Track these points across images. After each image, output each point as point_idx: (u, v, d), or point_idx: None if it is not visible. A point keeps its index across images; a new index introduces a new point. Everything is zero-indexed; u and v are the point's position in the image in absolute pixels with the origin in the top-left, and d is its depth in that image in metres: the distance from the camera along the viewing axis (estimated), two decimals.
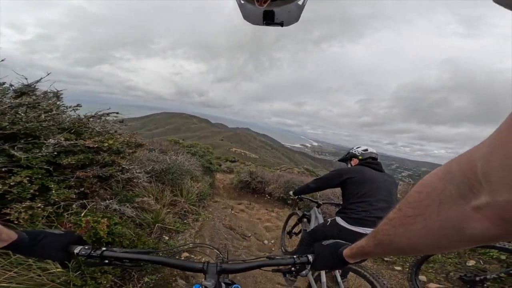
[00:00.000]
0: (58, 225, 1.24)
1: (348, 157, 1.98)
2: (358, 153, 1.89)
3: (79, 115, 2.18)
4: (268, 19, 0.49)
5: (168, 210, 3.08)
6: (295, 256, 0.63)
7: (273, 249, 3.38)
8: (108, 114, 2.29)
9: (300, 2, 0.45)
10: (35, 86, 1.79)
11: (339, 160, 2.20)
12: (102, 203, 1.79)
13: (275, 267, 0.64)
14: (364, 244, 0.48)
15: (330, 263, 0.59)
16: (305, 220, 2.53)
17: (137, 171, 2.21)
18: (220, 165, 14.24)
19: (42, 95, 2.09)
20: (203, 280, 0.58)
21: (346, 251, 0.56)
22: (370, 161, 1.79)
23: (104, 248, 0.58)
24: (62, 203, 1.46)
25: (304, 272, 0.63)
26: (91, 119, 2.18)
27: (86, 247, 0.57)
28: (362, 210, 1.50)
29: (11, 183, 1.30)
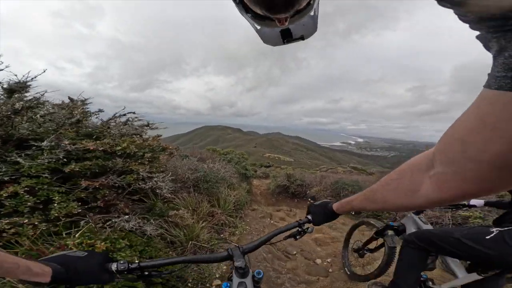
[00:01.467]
0: (39, 253, 0.94)
1: None
2: None
3: (102, 119, 2.04)
4: (287, 37, 0.50)
5: (204, 223, 2.72)
6: (298, 220, 0.82)
7: (330, 270, 2.60)
8: (124, 115, 2.08)
9: (312, 13, 0.43)
10: (26, 83, 1.70)
11: None
12: (116, 220, 1.49)
13: (286, 234, 0.78)
14: (353, 199, 0.62)
15: (324, 217, 0.77)
16: (389, 233, 1.78)
17: (160, 180, 1.88)
18: (255, 171, 14.00)
19: (72, 103, 2.04)
20: (233, 262, 0.65)
21: (335, 206, 0.73)
22: None
23: (137, 261, 0.59)
24: (64, 219, 1.18)
25: (310, 229, 0.80)
26: (113, 123, 2.00)
27: (122, 262, 0.56)
28: None
29: (4, 195, 1.07)
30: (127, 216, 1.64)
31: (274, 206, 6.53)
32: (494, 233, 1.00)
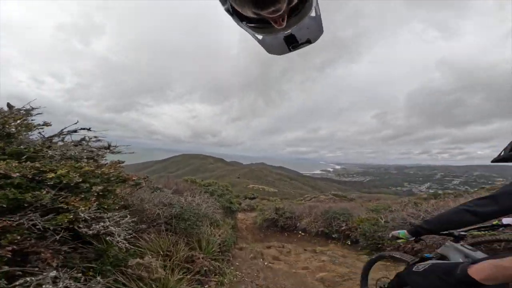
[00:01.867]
0: None
1: None
2: None
3: (43, 136, 1.53)
4: (292, 43, 0.48)
5: (182, 273, 2.03)
6: None
7: None
8: (75, 131, 1.61)
9: (313, 14, 0.42)
10: None
11: (494, 161, 1.32)
12: (34, 278, 0.90)
13: None
14: None
15: None
16: (421, 267, 1.46)
17: (112, 222, 1.33)
18: (240, 204, 13.01)
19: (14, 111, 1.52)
20: None
21: (479, 269, 0.43)
22: None
23: None
24: None
25: None
26: (60, 141, 1.50)
27: None
28: None
29: None
30: (54, 273, 1.03)
31: (263, 242, 5.74)
32: None
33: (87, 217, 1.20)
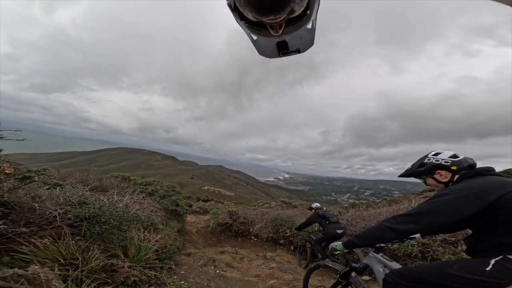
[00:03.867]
0: None
1: (426, 170, 1.36)
2: (447, 162, 1.30)
3: None
4: (283, 49, 0.49)
5: (95, 285, 1.56)
6: None
7: None
8: None
9: (309, 26, 0.43)
10: None
11: (401, 176, 1.53)
12: None
13: None
14: None
15: None
16: (353, 275, 1.73)
17: None
18: (190, 206, 12.13)
19: None
20: None
21: None
22: (482, 172, 1.22)
23: None
24: None
25: None
26: None
27: None
28: None
29: None
30: None
31: (216, 247, 5.40)
32: (492, 264, 1.03)
33: None
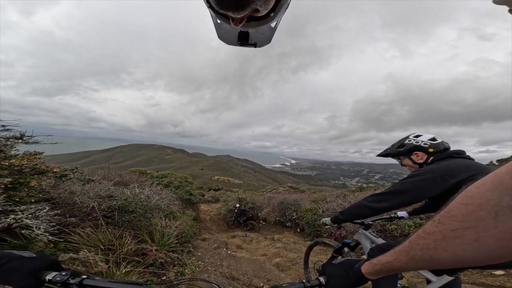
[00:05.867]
0: None
1: (405, 150, 1.41)
2: (426, 144, 1.35)
3: None
4: (243, 39, 0.48)
5: (130, 266, 1.96)
6: (304, 281, 0.57)
7: None
8: None
9: (273, 25, 0.42)
10: None
11: (379, 155, 1.62)
12: None
13: None
14: (392, 260, 0.45)
15: (346, 282, 0.54)
16: (346, 250, 1.91)
17: (29, 215, 1.21)
18: (203, 195, 12.82)
19: None
20: None
21: (365, 267, 0.51)
22: (452, 154, 1.26)
23: (84, 276, 0.52)
24: None
25: None
26: None
27: (63, 273, 0.51)
28: None
29: None
30: None
31: (228, 233, 5.91)
32: None
33: None
